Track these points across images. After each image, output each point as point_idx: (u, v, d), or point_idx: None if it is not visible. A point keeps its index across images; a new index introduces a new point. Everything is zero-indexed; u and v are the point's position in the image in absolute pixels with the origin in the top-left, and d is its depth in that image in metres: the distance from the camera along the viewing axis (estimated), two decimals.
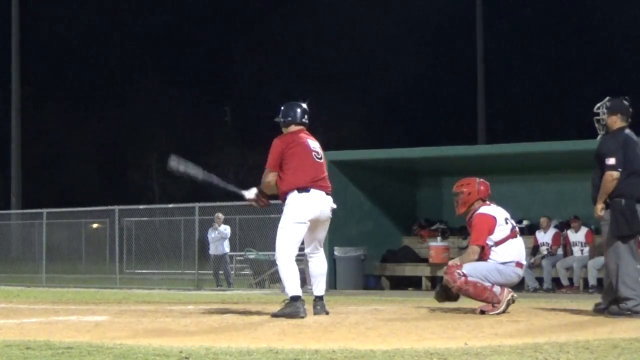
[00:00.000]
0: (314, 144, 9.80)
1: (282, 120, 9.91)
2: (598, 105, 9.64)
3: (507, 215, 10.31)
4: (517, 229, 10.38)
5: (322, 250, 9.91)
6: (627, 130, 9.57)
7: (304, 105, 9.99)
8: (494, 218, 10.14)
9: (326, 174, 9.77)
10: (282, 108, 9.99)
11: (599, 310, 9.72)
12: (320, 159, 9.75)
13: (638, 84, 51.67)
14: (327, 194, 9.65)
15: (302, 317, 9.23)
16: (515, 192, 17.35)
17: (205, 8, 60.86)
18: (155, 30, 59.59)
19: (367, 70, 57.60)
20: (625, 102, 9.61)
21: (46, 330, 8.32)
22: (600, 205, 9.39)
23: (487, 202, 10.37)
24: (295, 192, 9.51)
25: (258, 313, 10.29)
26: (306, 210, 9.49)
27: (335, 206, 9.72)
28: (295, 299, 9.38)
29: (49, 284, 21.73)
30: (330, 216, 9.74)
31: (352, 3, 56.58)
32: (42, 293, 17.26)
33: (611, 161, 9.28)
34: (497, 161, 17.57)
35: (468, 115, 48.18)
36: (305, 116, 9.94)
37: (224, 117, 55.92)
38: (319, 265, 9.84)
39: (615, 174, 9.27)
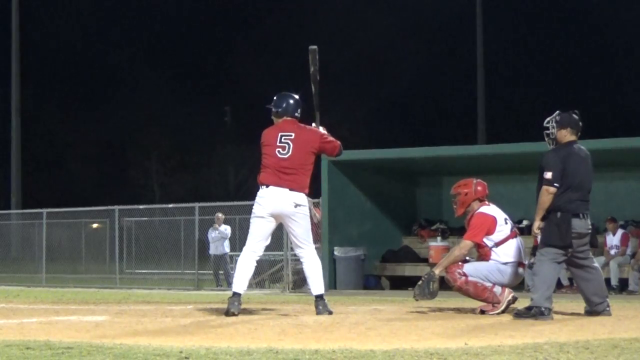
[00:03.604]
0: (287, 137, 9.78)
1: (274, 110, 9.98)
2: (548, 119, 9.55)
3: (506, 215, 10.33)
4: (516, 229, 10.40)
5: (308, 249, 9.91)
6: (577, 145, 9.48)
7: (297, 97, 10.06)
8: (495, 218, 10.15)
9: (296, 169, 9.74)
10: (275, 98, 10.06)
11: (589, 313, 9.72)
12: (286, 154, 9.73)
13: (639, 83, 51.75)
14: (292, 189, 9.71)
15: (230, 314, 9.54)
16: (515, 192, 17.33)
17: (206, 8, 60.88)
18: (156, 30, 59.64)
19: (368, 70, 57.57)
20: (575, 116, 9.53)
21: (46, 330, 8.31)
22: (537, 223, 9.32)
23: (486, 202, 10.38)
24: (261, 188, 9.83)
25: (258, 313, 10.30)
26: (264, 206, 9.77)
27: (301, 203, 9.74)
28: (233, 294, 9.77)
29: (49, 284, 21.72)
30: (298, 212, 9.75)
31: (352, 3, 56.58)
32: (42, 293, 17.24)
33: (548, 175, 9.21)
34: (497, 161, 17.55)
35: (468, 115, 48.18)
36: (299, 110, 9.99)
37: (224, 117, 55.91)
38: (308, 266, 9.93)
39: (552, 189, 9.19)
